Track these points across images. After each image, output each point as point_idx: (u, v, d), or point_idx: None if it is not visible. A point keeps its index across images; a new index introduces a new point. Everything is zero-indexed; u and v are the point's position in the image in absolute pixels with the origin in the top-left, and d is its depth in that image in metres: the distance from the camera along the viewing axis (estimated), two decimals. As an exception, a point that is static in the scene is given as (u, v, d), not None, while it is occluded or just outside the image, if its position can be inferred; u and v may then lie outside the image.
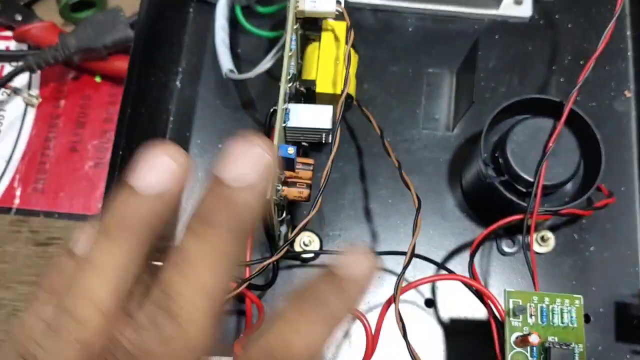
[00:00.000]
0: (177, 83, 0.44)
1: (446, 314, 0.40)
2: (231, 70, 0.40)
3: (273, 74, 0.41)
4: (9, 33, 0.48)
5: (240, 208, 0.19)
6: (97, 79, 0.48)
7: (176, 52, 0.44)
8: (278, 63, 0.38)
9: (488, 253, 0.41)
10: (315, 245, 0.40)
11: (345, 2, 0.44)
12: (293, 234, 0.32)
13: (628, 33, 0.46)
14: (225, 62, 0.40)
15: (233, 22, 0.42)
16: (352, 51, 0.35)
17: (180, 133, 0.43)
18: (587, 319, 0.39)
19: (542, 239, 0.41)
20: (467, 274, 0.36)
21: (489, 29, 0.45)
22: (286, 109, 0.33)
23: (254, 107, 0.43)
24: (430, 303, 0.40)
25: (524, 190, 0.37)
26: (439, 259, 0.40)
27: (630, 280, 0.41)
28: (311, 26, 0.36)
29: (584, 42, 0.45)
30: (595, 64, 0.43)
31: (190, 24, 0.45)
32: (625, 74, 0.45)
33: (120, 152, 0.39)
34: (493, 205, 0.39)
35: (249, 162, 0.19)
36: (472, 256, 0.36)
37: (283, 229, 0.38)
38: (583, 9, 0.46)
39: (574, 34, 0.45)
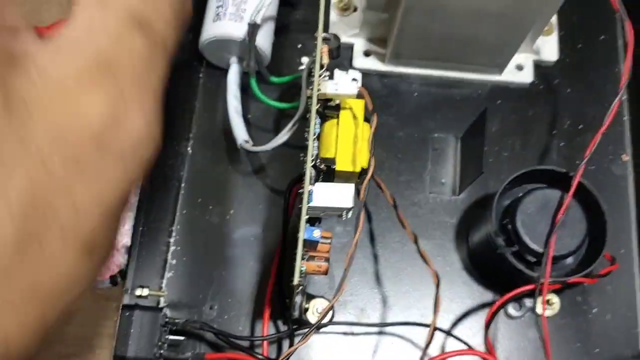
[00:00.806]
0: (189, 149, 0.44)
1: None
2: (246, 141, 0.40)
3: (286, 142, 0.41)
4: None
5: None
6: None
7: (187, 118, 0.44)
8: (294, 135, 0.39)
9: (496, 317, 0.42)
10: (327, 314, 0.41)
11: (352, 68, 0.46)
12: (320, 315, 0.33)
13: (624, 97, 0.48)
14: (240, 132, 0.40)
15: (245, 90, 0.43)
16: (367, 125, 0.36)
17: (191, 199, 0.43)
18: (591, 381, 0.41)
19: (548, 302, 0.42)
20: (478, 342, 0.37)
21: (492, 94, 0.46)
22: (310, 191, 0.33)
23: (265, 173, 0.44)
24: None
25: (533, 259, 0.38)
26: (447, 324, 0.41)
27: (630, 341, 0.42)
28: (329, 104, 0.36)
29: (583, 106, 0.47)
30: (593, 128, 0.45)
31: (200, 89, 0.45)
32: (622, 138, 0.46)
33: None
34: (501, 272, 0.40)
35: None
36: (486, 328, 0.37)
37: (298, 299, 0.39)
38: (581, 74, 0.48)
39: (573, 98, 0.47)
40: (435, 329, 0.34)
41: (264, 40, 0.42)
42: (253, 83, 0.40)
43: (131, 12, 0.17)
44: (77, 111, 0.15)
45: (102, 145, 0.16)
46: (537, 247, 0.37)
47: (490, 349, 0.36)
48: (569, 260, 0.40)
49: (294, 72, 0.40)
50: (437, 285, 0.34)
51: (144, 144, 0.17)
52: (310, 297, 0.40)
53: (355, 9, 0.46)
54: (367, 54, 0.46)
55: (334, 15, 0.46)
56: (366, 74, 0.46)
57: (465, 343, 0.39)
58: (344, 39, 0.46)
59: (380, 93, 0.46)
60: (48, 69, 0.16)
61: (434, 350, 0.40)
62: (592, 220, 0.39)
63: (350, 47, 0.46)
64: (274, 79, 0.41)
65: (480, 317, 0.41)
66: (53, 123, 0.15)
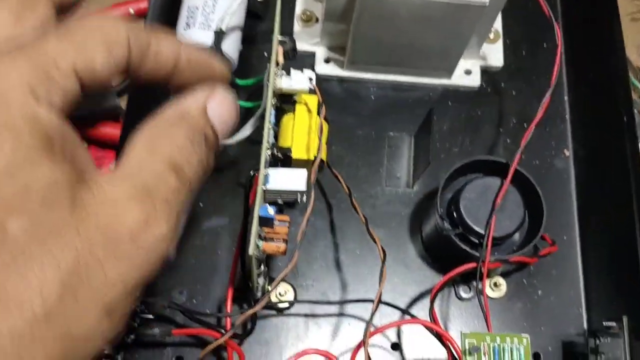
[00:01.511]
0: (162, 148, 0.47)
1: (411, 356, 0.43)
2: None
3: (250, 138, 0.45)
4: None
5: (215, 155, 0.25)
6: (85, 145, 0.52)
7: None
8: (255, 130, 0.42)
9: (447, 298, 0.45)
10: (290, 296, 0.44)
11: (315, 75, 0.50)
12: (272, 286, 0.36)
13: (565, 98, 0.52)
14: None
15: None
16: (324, 122, 0.40)
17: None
18: (537, 357, 0.44)
19: (495, 284, 0.45)
20: (428, 318, 0.41)
21: (443, 97, 0.50)
22: (266, 174, 0.37)
23: (233, 168, 0.47)
24: (396, 347, 0.44)
25: (477, 241, 0.41)
26: (403, 305, 0.44)
27: (575, 320, 0.45)
28: (286, 99, 0.40)
29: (527, 106, 0.51)
30: (538, 126, 0.49)
31: (173, 94, 0.49)
32: (564, 134, 0.50)
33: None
34: (450, 255, 0.43)
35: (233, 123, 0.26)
36: (432, 302, 0.40)
37: (261, 280, 0.42)
38: (525, 77, 0.52)
39: (518, 99, 0.51)
40: (380, 300, 0.37)
41: (231, 48, 0.46)
42: (219, 84, 0.44)
43: (170, 160, 0.23)
44: (121, 216, 0.21)
45: (134, 240, 0.21)
46: (478, 229, 0.41)
47: (434, 319, 0.39)
48: (515, 238, 0.43)
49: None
50: (383, 261, 0.38)
51: (165, 243, 0.22)
52: (272, 281, 0.43)
53: (316, 20, 0.51)
54: (327, 60, 0.50)
55: (297, 26, 0.51)
56: (327, 79, 0.50)
57: (413, 316, 0.42)
58: (307, 47, 0.50)
59: (340, 96, 0.50)
60: (104, 188, 0.21)
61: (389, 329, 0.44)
62: (531, 205, 0.42)
63: (312, 55, 0.50)
64: (240, 82, 0.45)
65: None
66: (102, 222, 0.20)
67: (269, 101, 0.37)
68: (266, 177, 0.37)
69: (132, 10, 0.54)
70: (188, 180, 0.23)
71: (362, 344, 0.36)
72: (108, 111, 0.49)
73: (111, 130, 0.49)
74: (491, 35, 0.51)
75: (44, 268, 0.19)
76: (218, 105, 0.26)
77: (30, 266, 0.18)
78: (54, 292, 0.19)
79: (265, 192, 0.37)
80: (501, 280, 0.45)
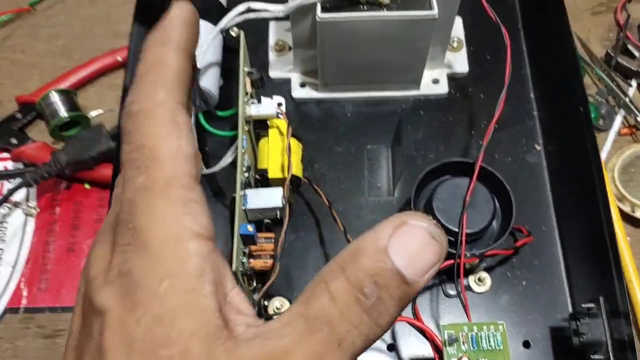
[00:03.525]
0: (155, 182, 0.51)
1: (406, 355, 0.46)
2: (200, 168, 0.47)
3: (236, 165, 0.48)
4: (6, 155, 0.56)
5: (408, 300, 0.21)
6: (87, 186, 0.56)
7: (152, 156, 0.51)
8: (235, 155, 0.46)
9: (436, 296, 0.47)
10: (286, 308, 0.47)
11: (292, 98, 0.53)
12: (259, 295, 0.39)
13: (532, 95, 0.54)
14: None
15: (197, 126, 0.50)
16: (295, 140, 0.43)
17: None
18: (527, 345, 0.45)
19: (479, 279, 0.47)
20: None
21: (414, 107, 0.53)
22: (244, 194, 0.40)
23: (222, 195, 0.50)
24: (392, 347, 0.46)
25: (453, 239, 0.44)
26: (393, 307, 0.47)
27: (560, 306, 0.47)
28: (260, 124, 0.44)
29: (495, 108, 0.53)
30: (508, 126, 0.52)
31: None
32: (534, 130, 0.53)
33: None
34: (432, 255, 0.45)
35: (430, 259, 0.20)
36: (413, 300, 0.42)
37: (256, 296, 0.45)
38: (491, 81, 0.54)
39: (486, 102, 0.54)
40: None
41: (210, 82, 0.50)
42: (200, 118, 0.47)
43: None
44: None
45: None
46: (452, 227, 0.43)
47: (417, 315, 0.41)
48: (493, 232, 0.45)
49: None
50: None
51: None
52: (269, 296, 0.46)
53: (289, 49, 0.54)
54: (302, 85, 0.53)
55: (272, 55, 0.54)
56: (305, 102, 0.53)
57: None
58: (282, 74, 0.54)
59: (318, 117, 0.53)
60: (237, 349, 0.21)
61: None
62: (502, 200, 0.45)
63: (288, 81, 0.54)
64: (220, 113, 0.49)
65: (422, 299, 0.47)
66: None
67: (240, 128, 0.40)
68: (245, 198, 0.40)
69: (119, 58, 0.58)
70: (347, 351, 0.20)
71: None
72: (105, 154, 0.52)
73: (110, 172, 0.53)
74: (454, 44, 0.54)
75: None
76: (406, 242, 0.21)
77: None
78: None
79: (246, 211, 0.41)
80: (485, 275, 0.47)
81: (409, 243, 0.21)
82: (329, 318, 0.20)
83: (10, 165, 0.55)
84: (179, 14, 0.25)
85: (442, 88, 0.53)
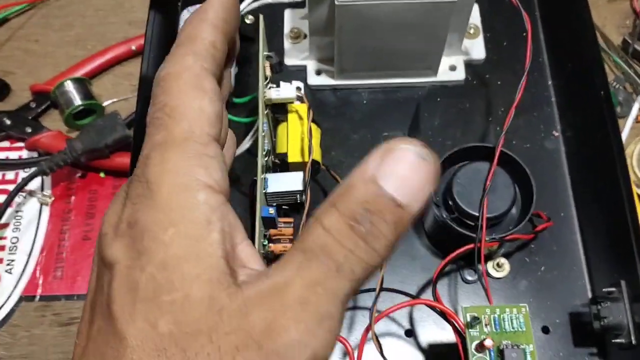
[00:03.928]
0: (172, 169, 0.51)
1: (424, 340, 0.45)
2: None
3: (253, 152, 0.48)
4: (21, 144, 0.56)
5: (404, 226, 0.20)
6: (102, 175, 0.55)
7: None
8: (255, 143, 0.45)
9: (454, 282, 0.47)
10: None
11: (308, 85, 0.53)
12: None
13: (549, 82, 0.54)
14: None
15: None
16: (314, 125, 0.43)
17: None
18: (546, 330, 0.45)
19: (498, 265, 0.47)
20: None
21: (431, 93, 0.53)
22: (265, 178, 0.40)
23: (240, 181, 0.50)
24: (410, 333, 0.46)
25: (473, 224, 0.43)
26: (412, 292, 0.46)
27: (579, 292, 0.47)
28: (279, 109, 0.43)
29: (512, 94, 0.52)
30: (526, 112, 0.51)
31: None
32: (552, 117, 0.52)
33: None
34: (451, 240, 0.45)
35: (421, 180, 0.20)
36: (434, 284, 0.42)
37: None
38: (508, 67, 0.54)
39: (503, 88, 0.53)
40: (382, 286, 0.39)
41: (226, 70, 0.49)
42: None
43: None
44: (248, 323, 0.20)
45: (260, 346, 0.20)
46: (472, 212, 0.43)
47: (437, 298, 0.41)
48: (513, 217, 0.45)
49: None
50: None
51: (298, 351, 0.20)
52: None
53: (304, 36, 0.54)
54: (318, 72, 0.53)
55: (287, 43, 0.54)
56: (320, 90, 0.53)
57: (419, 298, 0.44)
58: (298, 62, 0.53)
59: (334, 104, 0.53)
60: (241, 292, 0.21)
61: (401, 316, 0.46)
62: (522, 184, 0.45)
63: (304, 69, 0.53)
64: (237, 100, 0.48)
65: (440, 284, 0.47)
66: (232, 328, 0.20)
67: (261, 112, 0.40)
68: (265, 181, 0.40)
69: (134, 47, 0.58)
70: (349, 273, 0.20)
71: (369, 327, 0.38)
72: (120, 142, 0.52)
73: (125, 160, 0.53)
74: (471, 30, 0.54)
75: None
76: (394, 167, 0.21)
77: None
78: None
79: (266, 195, 0.40)
80: (503, 260, 0.47)
81: (397, 167, 0.21)
82: (324, 246, 0.20)
83: (25, 154, 0.55)
84: None
85: (459, 74, 0.53)
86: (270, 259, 0.42)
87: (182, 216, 0.21)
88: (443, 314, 0.40)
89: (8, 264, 0.51)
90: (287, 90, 0.41)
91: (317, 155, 0.43)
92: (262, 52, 0.42)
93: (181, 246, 0.20)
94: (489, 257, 0.47)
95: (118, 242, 0.21)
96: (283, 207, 0.44)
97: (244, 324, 0.19)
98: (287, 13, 0.55)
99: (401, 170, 0.21)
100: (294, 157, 0.42)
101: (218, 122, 0.23)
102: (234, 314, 0.20)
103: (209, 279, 0.20)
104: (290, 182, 0.40)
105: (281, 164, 0.43)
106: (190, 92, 0.23)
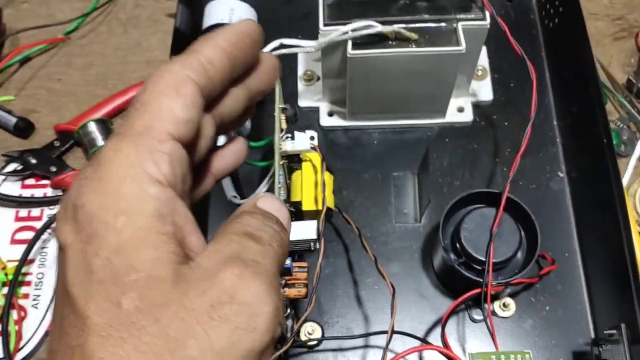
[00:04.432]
0: (190, 210, 0.53)
1: (434, 378, 0.47)
2: (234, 196, 0.49)
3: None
4: (46, 182, 0.58)
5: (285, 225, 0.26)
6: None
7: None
8: (270, 187, 0.47)
9: (462, 321, 0.49)
10: (317, 333, 0.48)
11: (320, 126, 0.55)
12: (297, 325, 0.40)
13: (555, 123, 0.56)
14: (229, 190, 0.49)
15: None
16: (328, 173, 0.45)
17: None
18: (551, 369, 0.47)
19: (504, 305, 0.49)
20: (451, 345, 0.44)
21: (440, 135, 0.55)
22: (280, 228, 0.41)
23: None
24: (420, 372, 0.47)
25: (480, 268, 0.45)
26: (421, 333, 0.48)
27: (583, 331, 0.48)
28: (293, 158, 0.45)
29: (519, 135, 0.54)
30: (532, 153, 0.53)
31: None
32: (557, 157, 0.54)
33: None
34: (459, 282, 0.47)
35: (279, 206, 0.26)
36: (443, 327, 0.44)
37: (289, 322, 0.46)
38: (515, 108, 0.56)
39: (510, 129, 0.55)
40: (394, 330, 0.41)
41: (242, 114, 0.51)
42: (234, 149, 0.49)
43: (245, 231, 0.24)
44: (218, 281, 0.22)
45: (233, 297, 0.21)
46: (479, 257, 0.45)
47: (445, 343, 0.43)
48: (519, 260, 0.47)
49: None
50: (393, 295, 0.42)
51: (264, 302, 0.22)
52: (302, 322, 0.48)
53: (317, 79, 0.56)
54: (330, 114, 0.55)
55: (300, 85, 0.56)
56: (332, 130, 0.55)
57: (429, 343, 0.46)
58: (311, 103, 0.55)
59: (346, 144, 0.55)
60: (200, 262, 0.23)
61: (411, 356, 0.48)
62: (527, 229, 0.46)
63: (317, 110, 0.55)
64: (252, 144, 0.50)
65: (448, 324, 0.48)
66: (202, 291, 0.21)
67: (277, 164, 0.42)
68: (281, 231, 0.42)
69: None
70: (267, 242, 0.24)
71: (381, 372, 0.40)
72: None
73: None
74: (479, 72, 0.56)
75: (154, 339, 0.20)
76: (263, 200, 0.27)
77: (143, 338, 0.20)
78: None
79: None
80: (509, 301, 0.49)
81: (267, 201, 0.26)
82: (246, 230, 0.24)
83: (49, 192, 0.57)
84: (233, 24, 0.27)
85: (467, 116, 0.55)
86: (285, 304, 0.44)
87: (133, 207, 0.21)
88: (450, 359, 0.42)
89: (34, 299, 0.53)
90: (301, 142, 0.43)
91: (330, 202, 0.45)
92: (278, 104, 0.44)
93: (135, 235, 0.21)
94: (496, 297, 0.49)
95: (68, 225, 0.22)
96: (296, 251, 0.46)
97: (214, 284, 0.21)
98: (301, 56, 0.57)
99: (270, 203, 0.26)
100: (308, 205, 0.44)
101: (186, 127, 0.24)
102: (201, 279, 0.21)
103: (168, 260, 0.21)
104: (304, 230, 0.42)
105: (296, 212, 0.45)
106: (165, 91, 0.24)
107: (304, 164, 0.45)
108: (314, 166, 0.45)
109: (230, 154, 0.31)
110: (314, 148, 0.44)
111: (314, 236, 0.42)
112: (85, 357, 0.20)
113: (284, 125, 0.44)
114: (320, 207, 0.44)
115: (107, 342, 0.20)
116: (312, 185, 0.45)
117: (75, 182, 0.22)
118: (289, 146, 0.43)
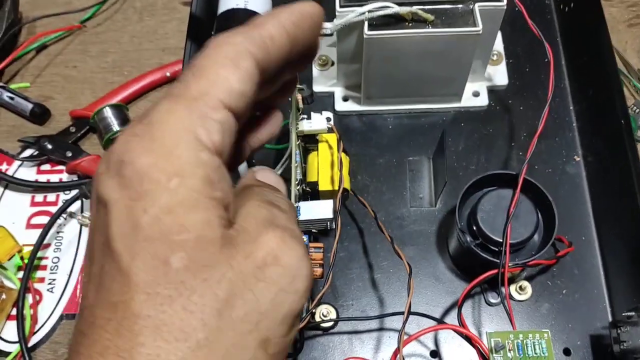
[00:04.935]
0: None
1: (449, 361, 0.47)
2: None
3: (282, 175, 0.50)
4: (61, 167, 0.58)
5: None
6: (138, 196, 0.58)
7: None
8: (286, 169, 0.47)
9: (478, 305, 0.49)
10: (332, 315, 0.48)
11: (335, 111, 0.55)
12: (312, 305, 0.40)
13: (571, 107, 0.55)
14: (244, 171, 0.49)
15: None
16: (344, 155, 0.45)
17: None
18: (567, 352, 0.47)
19: (521, 288, 0.48)
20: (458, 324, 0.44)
21: (455, 119, 0.55)
22: (297, 207, 0.42)
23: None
24: (435, 354, 0.47)
25: (496, 249, 0.45)
26: (437, 315, 0.48)
27: (600, 314, 0.48)
28: (309, 139, 0.45)
29: (535, 119, 0.54)
30: (548, 137, 0.52)
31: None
32: (573, 141, 0.54)
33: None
34: (475, 265, 0.47)
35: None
36: (459, 308, 0.44)
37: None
38: (530, 92, 0.56)
39: (526, 114, 0.55)
40: (410, 310, 0.41)
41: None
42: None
43: (266, 199, 0.25)
44: (261, 244, 0.22)
45: (277, 259, 0.22)
46: (496, 238, 0.44)
47: (463, 323, 0.43)
48: (535, 242, 0.46)
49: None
50: (410, 274, 0.42)
51: (304, 263, 0.23)
52: (317, 302, 0.48)
53: (332, 64, 0.56)
54: (345, 99, 0.55)
55: (315, 70, 0.56)
56: (347, 115, 0.55)
57: (444, 323, 0.46)
58: (326, 88, 0.55)
59: (360, 129, 0.55)
60: (243, 225, 0.23)
61: (427, 338, 0.47)
62: (545, 210, 0.46)
63: (331, 95, 0.55)
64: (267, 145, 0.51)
65: (464, 307, 0.48)
66: (248, 253, 0.22)
67: (294, 143, 0.42)
68: (297, 209, 0.42)
69: (168, 74, 0.60)
70: (287, 211, 0.25)
71: (397, 351, 0.40)
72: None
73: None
74: (494, 57, 0.55)
75: (203, 299, 0.20)
76: (261, 173, 0.28)
77: (191, 298, 0.20)
78: (214, 321, 0.20)
79: (298, 223, 0.42)
80: (526, 284, 0.48)
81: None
82: (263, 214, 0.24)
83: (65, 177, 0.58)
84: (297, 4, 0.26)
85: (483, 100, 0.54)
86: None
87: (186, 169, 0.21)
88: (468, 339, 0.42)
89: (50, 283, 0.54)
90: (318, 122, 0.43)
91: (346, 183, 0.45)
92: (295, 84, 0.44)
93: (187, 196, 0.21)
94: (512, 280, 0.48)
95: (113, 180, 0.21)
96: (312, 231, 0.46)
97: (259, 247, 0.21)
98: (315, 41, 0.57)
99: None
100: (324, 185, 0.44)
101: (240, 99, 0.24)
102: (246, 242, 0.21)
103: (217, 224, 0.21)
104: (321, 210, 0.42)
105: (312, 192, 0.45)
106: (224, 61, 0.23)
107: (320, 145, 0.45)
108: (330, 147, 0.45)
109: (267, 125, 0.31)
110: (330, 128, 0.44)
111: (330, 215, 0.42)
112: (130, 314, 0.20)
113: (301, 105, 0.44)
114: (336, 187, 0.44)
115: (155, 299, 0.20)
116: (329, 165, 0.45)
117: (122, 138, 0.22)
118: (305, 126, 0.44)
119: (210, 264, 0.20)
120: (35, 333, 0.52)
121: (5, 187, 0.58)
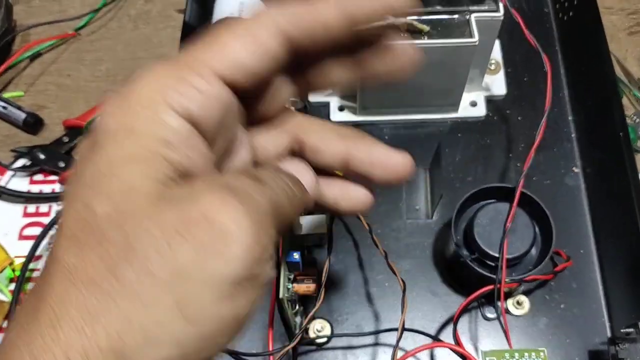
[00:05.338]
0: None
1: (445, 377, 0.46)
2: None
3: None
4: (54, 177, 0.58)
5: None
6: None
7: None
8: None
9: (475, 319, 0.48)
10: (327, 331, 0.48)
11: (330, 121, 0.54)
12: (305, 321, 0.40)
13: (570, 118, 0.55)
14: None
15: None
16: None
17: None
18: (565, 368, 0.46)
19: (518, 302, 0.48)
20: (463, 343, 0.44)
21: (452, 129, 0.54)
22: (288, 222, 0.41)
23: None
24: (432, 370, 0.47)
25: (493, 264, 0.44)
26: (433, 331, 0.47)
27: (599, 329, 0.47)
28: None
29: (533, 130, 0.53)
30: (546, 148, 0.52)
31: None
32: (572, 152, 0.53)
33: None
34: (471, 279, 0.46)
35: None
36: (455, 325, 0.43)
37: (298, 319, 0.46)
38: (528, 102, 0.55)
39: (524, 124, 0.54)
40: (404, 327, 0.40)
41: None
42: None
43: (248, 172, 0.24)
44: (197, 201, 0.21)
45: (208, 220, 0.21)
46: (492, 252, 0.44)
47: (458, 341, 0.42)
48: (533, 256, 0.46)
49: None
50: (404, 291, 0.41)
51: (244, 232, 0.21)
52: (310, 319, 0.47)
53: (328, 73, 0.55)
54: (341, 108, 0.54)
55: (310, 80, 0.55)
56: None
57: (440, 340, 0.45)
58: (321, 98, 0.55)
59: (356, 140, 0.54)
60: (193, 183, 0.22)
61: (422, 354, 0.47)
62: (542, 224, 0.45)
63: (327, 105, 0.55)
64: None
65: (460, 322, 0.47)
66: (180, 208, 0.21)
67: (286, 157, 0.41)
68: (289, 225, 0.41)
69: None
70: (271, 187, 0.23)
71: (391, 369, 0.39)
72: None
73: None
74: (492, 66, 0.55)
75: (116, 248, 0.19)
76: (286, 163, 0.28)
77: (105, 245, 0.19)
78: (125, 272, 0.19)
79: (290, 238, 0.42)
80: (523, 298, 0.47)
81: None
82: (226, 179, 0.23)
83: (58, 187, 0.57)
84: None
85: (480, 110, 0.54)
86: (294, 300, 0.43)
87: (143, 128, 0.21)
88: (463, 357, 0.41)
89: (42, 295, 0.53)
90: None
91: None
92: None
93: (133, 151, 0.21)
94: (509, 294, 0.48)
95: (87, 138, 0.22)
96: (305, 245, 0.46)
97: (196, 205, 0.20)
98: (311, 50, 0.56)
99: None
100: (317, 199, 0.43)
101: (244, 73, 0.23)
102: (182, 199, 0.20)
103: (156, 178, 0.21)
104: (314, 224, 0.41)
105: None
106: (239, 32, 0.23)
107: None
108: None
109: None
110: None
111: (324, 230, 0.41)
112: (52, 259, 0.20)
113: (294, 118, 0.43)
114: (330, 202, 0.43)
115: (73, 245, 0.20)
116: (322, 179, 0.44)
117: (108, 97, 0.22)
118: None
119: (133, 214, 0.20)
120: (26, 346, 0.52)
121: (-2, 198, 0.57)
